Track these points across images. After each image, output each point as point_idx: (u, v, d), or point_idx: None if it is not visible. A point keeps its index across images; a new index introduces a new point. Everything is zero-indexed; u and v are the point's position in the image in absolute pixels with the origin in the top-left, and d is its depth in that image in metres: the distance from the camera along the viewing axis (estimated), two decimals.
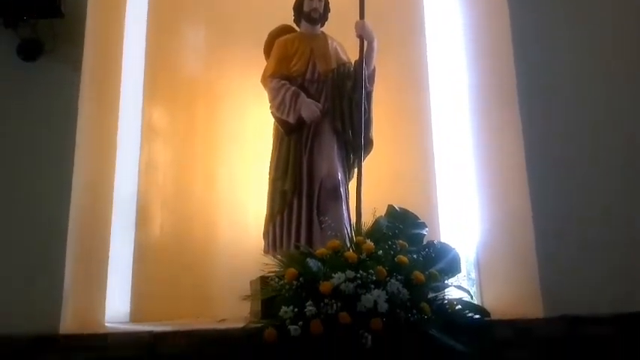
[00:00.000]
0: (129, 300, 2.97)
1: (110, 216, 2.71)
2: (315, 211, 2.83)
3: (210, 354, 2.10)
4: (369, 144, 3.01)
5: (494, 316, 2.31)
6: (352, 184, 2.94)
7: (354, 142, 2.96)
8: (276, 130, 3.07)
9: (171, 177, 3.35)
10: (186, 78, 3.52)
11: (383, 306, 1.99)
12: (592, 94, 2.68)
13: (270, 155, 3.06)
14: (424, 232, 2.53)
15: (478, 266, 2.95)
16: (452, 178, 3.41)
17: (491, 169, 2.94)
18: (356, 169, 2.95)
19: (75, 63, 2.37)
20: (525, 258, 2.55)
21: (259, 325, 2.08)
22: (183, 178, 3.38)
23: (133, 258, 3.04)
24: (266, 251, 2.94)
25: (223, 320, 2.74)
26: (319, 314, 1.98)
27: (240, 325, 2.17)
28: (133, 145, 3.13)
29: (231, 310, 2.80)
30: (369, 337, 1.90)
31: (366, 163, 2.97)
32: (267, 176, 3.03)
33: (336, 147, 2.96)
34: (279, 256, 2.73)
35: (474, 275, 2.97)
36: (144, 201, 3.15)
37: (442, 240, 2.69)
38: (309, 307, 1.97)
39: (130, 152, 3.05)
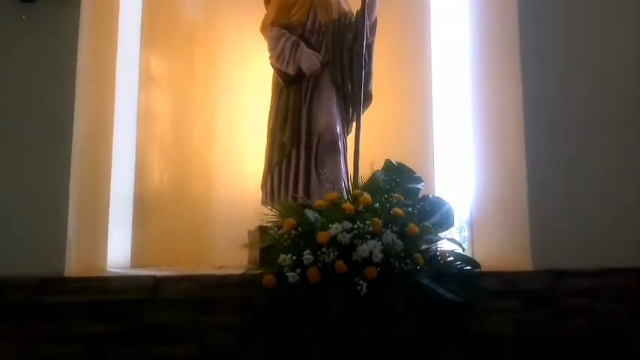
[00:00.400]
0: (129, 247, 3.06)
1: (110, 165, 2.75)
2: (313, 164, 2.89)
3: (210, 298, 2.20)
4: (368, 97, 3.03)
5: (484, 269, 2.42)
6: (351, 138, 2.98)
7: (354, 96, 2.98)
8: (275, 80, 3.07)
9: (169, 126, 3.36)
10: (185, 25, 3.47)
11: (378, 256, 2.08)
12: (595, 48, 2.70)
13: (269, 105, 3.08)
14: (420, 186, 2.60)
15: (471, 221, 3.04)
16: (450, 133, 3.45)
17: (489, 125, 2.97)
18: (355, 123, 2.99)
19: (72, 6, 2.34)
20: (517, 214, 2.64)
21: (258, 271, 2.18)
22: (182, 127, 3.40)
23: (133, 206, 3.11)
24: (264, 202, 3.01)
25: (222, 267, 2.85)
26: (316, 262, 2.07)
27: (239, 271, 2.27)
28: (131, 93, 3.12)
29: (229, 258, 2.90)
30: (364, 284, 2.00)
31: (365, 116, 3.00)
32: (266, 126, 3.06)
33: (335, 100, 2.97)
34: (277, 207, 2.81)
35: (466, 232, 3.07)
36: (143, 149, 3.17)
37: (437, 194, 2.76)
38: (307, 256, 2.06)
39: (128, 100, 3.05)
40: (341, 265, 2.06)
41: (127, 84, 2.99)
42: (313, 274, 2.04)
